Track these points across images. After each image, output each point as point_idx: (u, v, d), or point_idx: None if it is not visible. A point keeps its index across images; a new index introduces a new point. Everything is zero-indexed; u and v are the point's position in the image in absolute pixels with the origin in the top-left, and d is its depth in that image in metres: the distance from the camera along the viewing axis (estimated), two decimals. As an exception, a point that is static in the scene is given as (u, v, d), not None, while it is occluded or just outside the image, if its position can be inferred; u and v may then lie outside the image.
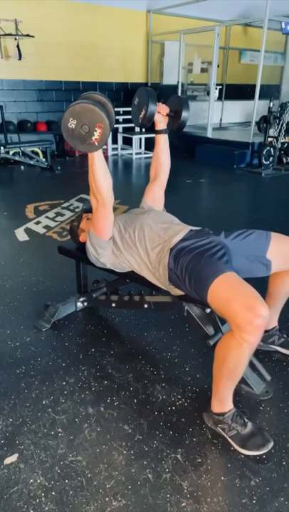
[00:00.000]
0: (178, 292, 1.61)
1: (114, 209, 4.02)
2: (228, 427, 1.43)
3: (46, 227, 3.59)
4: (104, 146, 7.57)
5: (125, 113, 7.26)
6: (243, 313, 1.24)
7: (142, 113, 1.77)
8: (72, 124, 1.38)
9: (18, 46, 6.12)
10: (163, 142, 1.94)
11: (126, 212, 1.97)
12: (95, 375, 1.77)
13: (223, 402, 1.44)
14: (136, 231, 1.68)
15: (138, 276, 1.74)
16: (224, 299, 1.32)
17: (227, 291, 1.34)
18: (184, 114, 1.81)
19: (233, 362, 1.32)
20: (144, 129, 7.30)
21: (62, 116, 1.38)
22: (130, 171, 6.43)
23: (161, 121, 1.90)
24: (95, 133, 1.38)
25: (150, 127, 1.90)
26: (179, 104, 1.85)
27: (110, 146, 7.08)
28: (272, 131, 5.99)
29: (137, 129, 7.37)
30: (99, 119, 1.37)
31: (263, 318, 1.23)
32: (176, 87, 7.53)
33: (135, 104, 1.85)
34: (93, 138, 1.38)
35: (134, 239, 1.68)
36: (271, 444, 1.38)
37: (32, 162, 5.89)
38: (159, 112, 1.85)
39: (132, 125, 7.32)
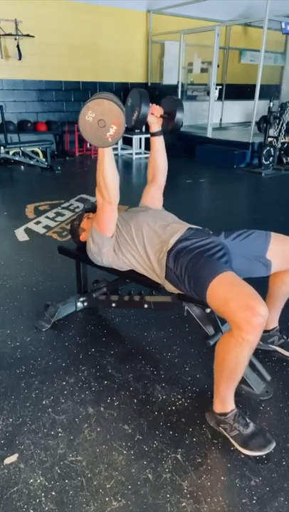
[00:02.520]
0: (172, 288, 1.61)
1: (114, 209, 4.05)
2: (229, 427, 1.43)
3: (46, 227, 3.59)
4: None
5: (125, 113, 7.26)
6: (241, 313, 1.24)
7: (135, 115, 1.74)
8: (90, 116, 1.38)
9: (18, 46, 6.12)
10: (158, 144, 1.91)
11: (125, 211, 1.97)
12: (95, 375, 1.77)
13: (224, 402, 1.44)
14: (133, 229, 1.68)
15: (138, 276, 1.74)
16: (223, 299, 1.32)
17: (226, 291, 1.34)
18: (178, 115, 1.76)
19: (233, 361, 1.32)
20: (144, 129, 7.31)
21: (82, 108, 1.39)
22: (130, 170, 6.43)
23: (154, 123, 1.86)
24: (110, 129, 1.38)
25: (146, 128, 1.90)
26: (173, 105, 1.80)
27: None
28: (272, 131, 5.99)
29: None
30: (117, 117, 1.38)
31: (262, 317, 1.23)
32: (176, 87, 7.53)
33: (128, 106, 1.82)
34: (108, 134, 1.39)
35: (132, 236, 1.67)
36: (273, 445, 1.38)
37: (32, 162, 5.89)
38: (152, 114, 1.82)
39: (132, 125, 7.33)
